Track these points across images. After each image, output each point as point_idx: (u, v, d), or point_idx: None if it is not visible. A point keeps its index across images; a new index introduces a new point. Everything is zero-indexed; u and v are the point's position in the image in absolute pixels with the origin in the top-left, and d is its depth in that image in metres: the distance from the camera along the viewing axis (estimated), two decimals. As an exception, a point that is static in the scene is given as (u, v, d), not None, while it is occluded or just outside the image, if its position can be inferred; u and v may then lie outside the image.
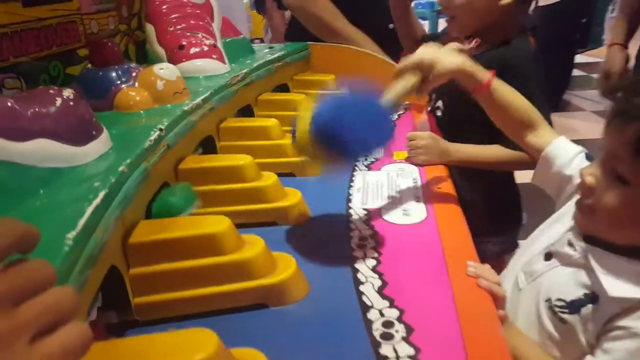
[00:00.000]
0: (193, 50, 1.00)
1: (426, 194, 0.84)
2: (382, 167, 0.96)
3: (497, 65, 0.94)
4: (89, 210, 0.43)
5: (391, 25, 1.49)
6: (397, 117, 1.27)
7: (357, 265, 0.64)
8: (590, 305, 0.55)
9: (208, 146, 0.89)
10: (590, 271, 0.55)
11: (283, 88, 1.31)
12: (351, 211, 0.79)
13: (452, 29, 1.01)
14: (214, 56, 1.02)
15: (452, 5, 0.98)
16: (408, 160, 0.98)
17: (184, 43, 0.99)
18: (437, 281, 0.60)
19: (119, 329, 0.52)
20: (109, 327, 0.51)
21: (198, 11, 1.10)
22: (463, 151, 0.95)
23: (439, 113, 1.07)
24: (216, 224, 0.57)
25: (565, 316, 0.57)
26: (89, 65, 0.78)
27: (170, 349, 0.37)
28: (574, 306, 0.56)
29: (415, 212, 0.78)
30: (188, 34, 1.03)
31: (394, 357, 0.47)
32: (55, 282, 0.26)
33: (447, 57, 0.69)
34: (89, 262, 0.41)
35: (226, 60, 1.06)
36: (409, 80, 0.69)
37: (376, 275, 0.61)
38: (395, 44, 1.52)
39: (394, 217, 0.77)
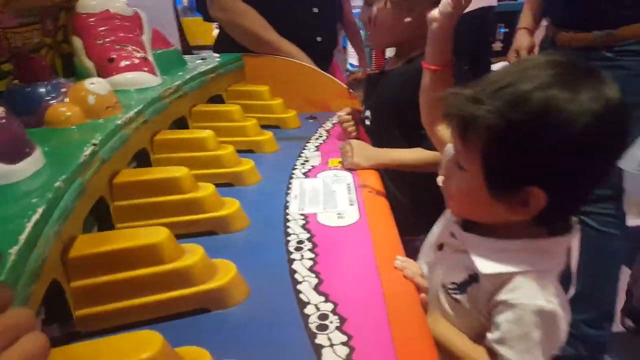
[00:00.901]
0: (123, 63, 1.00)
1: (359, 197, 0.89)
2: (318, 174, 1.01)
3: (403, 80, 1.03)
4: (29, 226, 0.44)
5: (319, 38, 1.55)
6: (332, 126, 1.33)
7: (294, 267, 0.67)
8: (474, 284, 0.61)
9: (142, 159, 0.89)
10: (468, 255, 0.61)
11: (217, 99, 1.33)
12: (289, 217, 0.83)
13: (370, 35, 1.10)
14: (145, 69, 1.03)
15: (366, 22, 1.07)
16: (341, 165, 1.03)
17: (114, 56, 0.99)
18: (368, 276, 0.65)
19: (62, 341, 0.52)
20: (52, 340, 0.51)
21: (127, 23, 1.09)
22: (388, 155, 1.02)
23: (367, 122, 1.13)
24: (155, 234, 0.59)
25: (456, 296, 0.63)
26: (16, 82, 0.77)
27: (118, 350, 0.39)
28: (462, 287, 0.63)
29: (348, 215, 0.83)
30: (117, 47, 1.03)
31: (328, 345, 0.51)
32: (12, 303, 0.28)
33: None
34: (32, 277, 0.42)
35: (158, 73, 1.07)
36: None
37: (313, 275, 0.65)
38: (323, 55, 1.58)
39: (329, 220, 0.81)
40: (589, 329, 1.48)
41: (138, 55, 1.02)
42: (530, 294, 0.56)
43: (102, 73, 0.98)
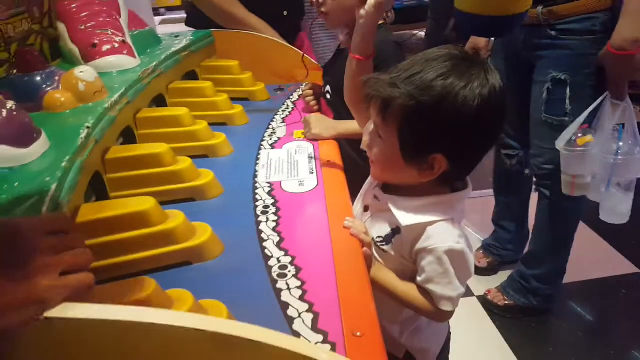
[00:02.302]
0: (105, 47, 1.09)
1: (318, 167, 1.03)
2: (284, 146, 1.14)
3: None
4: (47, 200, 0.57)
5: (285, 12, 1.64)
6: (298, 98, 1.45)
7: (260, 228, 0.82)
8: (397, 236, 0.77)
9: (128, 136, 1.01)
10: (391, 213, 0.77)
11: (191, 75, 1.43)
12: (257, 185, 0.96)
13: (326, 23, 1.20)
14: (124, 52, 1.13)
15: (325, 3, 1.16)
16: (304, 137, 1.16)
17: (96, 41, 1.09)
18: (321, 234, 0.79)
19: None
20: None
21: (105, 8, 1.18)
22: (345, 126, 1.15)
23: (328, 96, 1.25)
24: (143, 203, 0.72)
25: (383, 247, 0.79)
26: (14, 72, 0.87)
27: (121, 292, 0.52)
28: (387, 239, 0.79)
29: (308, 182, 0.97)
30: (98, 31, 1.12)
31: (286, 288, 0.66)
32: (83, 246, 0.44)
33: None
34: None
35: (136, 54, 1.17)
36: None
37: (276, 234, 0.80)
38: (290, 28, 1.67)
39: (292, 187, 0.95)
40: (539, 283, 1.65)
41: (117, 39, 1.12)
42: (443, 239, 0.73)
43: (86, 57, 1.08)
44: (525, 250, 1.77)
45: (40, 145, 0.70)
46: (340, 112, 1.22)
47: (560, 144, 1.35)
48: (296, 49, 1.57)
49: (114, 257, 0.69)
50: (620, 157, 1.30)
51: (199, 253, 0.73)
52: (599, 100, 1.32)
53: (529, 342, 1.63)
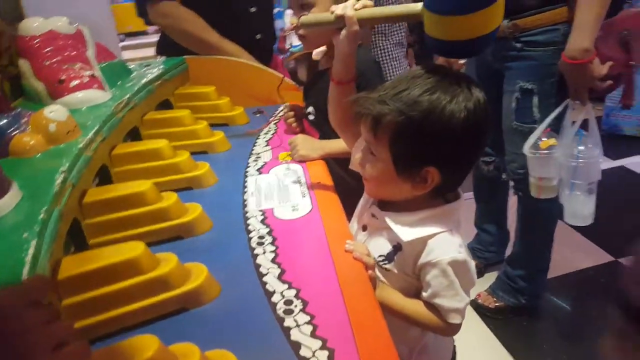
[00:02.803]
0: (73, 83, 1.03)
1: (310, 188, 0.99)
2: (271, 170, 1.09)
3: None
4: (28, 260, 0.51)
5: (258, 36, 1.62)
6: (279, 119, 1.41)
7: (258, 261, 0.77)
8: (399, 253, 0.77)
9: (103, 175, 0.95)
10: (390, 230, 0.76)
11: (165, 104, 1.38)
12: (248, 214, 0.91)
13: (304, 46, 1.18)
14: (94, 86, 1.07)
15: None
16: (291, 159, 1.12)
17: (63, 77, 1.03)
18: (323, 260, 0.75)
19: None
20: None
21: (71, 41, 1.12)
22: (332, 145, 1.12)
23: (311, 117, 1.22)
24: (132, 249, 0.67)
25: (386, 266, 0.78)
26: (-24, 117, 0.81)
27: (122, 355, 0.47)
28: (389, 257, 0.78)
29: (302, 207, 0.92)
30: (65, 66, 1.06)
31: (295, 326, 0.61)
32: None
33: None
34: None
35: (107, 88, 1.11)
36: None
37: (275, 266, 0.75)
38: (264, 51, 1.64)
39: (285, 213, 0.91)
40: (525, 282, 1.69)
41: (86, 73, 1.06)
42: (445, 250, 0.73)
43: (53, 94, 1.02)
44: (508, 250, 1.81)
45: (12, 197, 0.64)
46: (326, 131, 1.19)
47: (526, 147, 1.38)
48: (271, 70, 1.54)
49: (104, 313, 0.63)
50: (580, 160, 1.34)
51: (196, 297, 0.68)
52: (562, 106, 1.36)
53: (523, 341, 1.66)
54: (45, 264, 0.55)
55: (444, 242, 0.73)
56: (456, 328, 0.77)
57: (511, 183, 1.70)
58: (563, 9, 1.31)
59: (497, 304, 1.74)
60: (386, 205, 0.81)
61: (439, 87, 0.69)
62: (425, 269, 0.74)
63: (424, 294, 0.75)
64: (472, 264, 0.76)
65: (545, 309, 1.77)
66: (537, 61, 1.38)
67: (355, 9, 0.79)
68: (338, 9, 0.81)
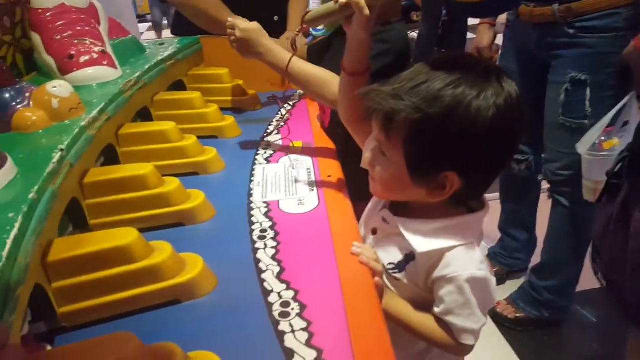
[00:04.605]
0: (83, 58, 1.01)
1: (319, 183, 0.95)
2: (280, 160, 1.05)
3: (376, 41, 1.06)
4: (9, 242, 0.48)
5: (276, 18, 1.57)
6: (292, 106, 1.37)
7: (258, 256, 0.73)
8: (411, 262, 0.70)
9: (109, 154, 0.92)
10: (402, 237, 0.69)
11: (178, 85, 1.35)
12: (252, 205, 0.88)
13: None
14: (104, 62, 1.04)
15: None
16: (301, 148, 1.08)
17: (73, 52, 1.00)
18: (326, 262, 0.71)
19: (49, 336, 0.58)
20: (40, 336, 0.57)
21: (83, 16, 1.10)
22: (272, 55, 1.07)
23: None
24: (125, 236, 0.64)
25: (395, 275, 0.72)
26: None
27: (98, 351, 0.44)
28: (400, 266, 0.71)
29: (309, 201, 0.88)
30: (76, 41, 1.04)
31: (290, 331, 0.57)
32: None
33: None
34: (17, 285, 0.46)
35: (117, 65, 1.08)
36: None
37: (275, 263, 0.71)
38: (281, 35, 1.60)
39: (291, 207, 0.87)
40: (551, 295, 1.58)
41: (96, 49, 1.03)
42: (463, 266, 0.66)
43: (62, 69, 0.99)
44: (535, 259, 1.70)
45: (5, 173, 0.61)
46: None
47: (582, 148, 1.27)
48: (289, 53, 1.49)
49: (91, 299, 0.60)
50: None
51: (189, 290, 0.65)
52: (624, 101, 1.25)
53: (542, 356, 1.57)
54: (30, 247, 0.52)
55: (462, 256, 0.66)
56: (468, 349, 0.70)
57: (544, 185, 1.59)
58: None
59: (517, 315, 1.64)
60: (400, 208, 0.73)
61: (465, 80, 0.60)
62: (440, 283, 0.67)
63: (436, 310, 0.69)
64: (493, 281, 0.68)
65: (569, 324, 1.66)
66: (593, 49, 1.26)
67: None
68: None
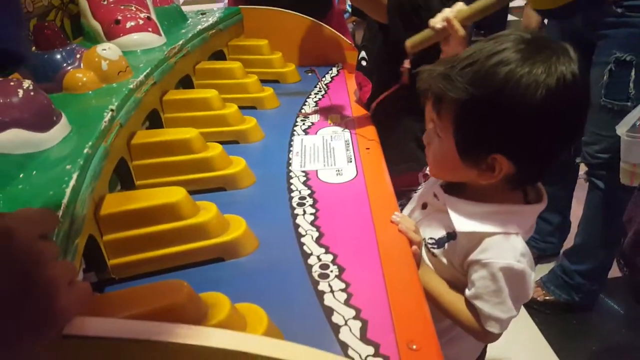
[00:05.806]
0: (129, 24, 1.03)
1: (356, 155, 0.95)
2: (318, 131, 1.06)
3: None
4: (68, 192, 0.51)
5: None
6: (331, 80, 1.36)
7: (297, 221, 0.75)
8: (451, 241, 0.70)
9: (154, 119, 0.95)
10: (448, 215, 0.69)
11: (218, 55, 1.36)
12: (291, 174, 0.89)
13: None
14: (149, 29, 1.06)
15: None
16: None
17: (119, 18, 1.02)
18: (364, 229, 0.72)
19: (99, 286, 0.61)
20: (91, 286, 0.59)
21: (129, -18, 1.11)
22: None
23: (363, 63, 1.16)
24: (174, 194, 0.66)
25: (434, 250, 0.72)
26: (32, 49, 0.81)
27: (152, 296, 0.46)
28: (440, 242, 0.71)
29: (347, 172, 0.89)
30: (122, 7, 1.06)
31: (329, 291, 0.59)
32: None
33: None
34: (75, 233, 0.49)
35: (161, 32, 1.10)
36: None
37: (314, 228, 0.73)
38: (320, 4, 1.57)
39: (329, 177, 0.88)
40: (583, 279, 1.56)
41: (142, 15, 1.05)
42: (501, 254, 0.64)
43: (109, 34, 1.02)
44: (568, 243, 1.68)
45: (60, 129, 0.63)
46: (381, 74, 1.11)
47: (622, 129, 1.22)
48: (328, 27, 1.48)
49: (140, 253, 0.63)
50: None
51: (233, 249, 0.67)
52: None
53: (569, 339, 1.55)
54: (86, 198, 0.55)
55: (502, 244, 0.65)
56: (492, 337, 0.69)
57: (582, 167, 1.54)
58: None
59: (546, 298, 1.63)
60: (455, 188, 0.72)
61: (518, 58, 0.58)
62: (474, 267, 0.67)
63: (467, 292, 0.68)
64: (532, 276, 0.67)
65: (599, 309, 1.64)
66: None
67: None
68: (437, 22, 0.80)
